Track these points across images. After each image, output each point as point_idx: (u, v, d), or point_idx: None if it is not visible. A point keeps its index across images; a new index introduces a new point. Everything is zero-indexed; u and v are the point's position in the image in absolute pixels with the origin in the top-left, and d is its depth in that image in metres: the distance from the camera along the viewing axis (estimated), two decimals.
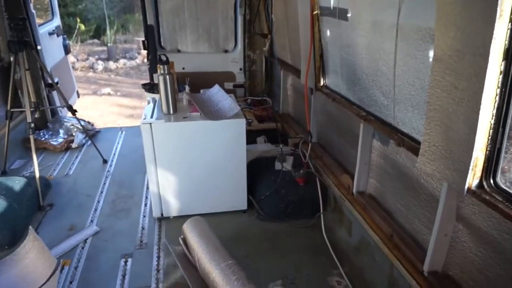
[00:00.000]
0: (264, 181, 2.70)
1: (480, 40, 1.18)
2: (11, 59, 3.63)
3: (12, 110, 3.15)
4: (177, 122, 2.45)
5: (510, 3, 1.12)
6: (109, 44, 12.24)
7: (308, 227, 2.55)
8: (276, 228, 2.58)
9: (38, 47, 3.89)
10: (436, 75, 1.39)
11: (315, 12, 2.61)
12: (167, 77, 2.47)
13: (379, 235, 1.94)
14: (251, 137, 2.59)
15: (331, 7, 2.46)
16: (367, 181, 2.26)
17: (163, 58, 2.48)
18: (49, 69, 3.85)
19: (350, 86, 2.39)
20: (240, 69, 4.29)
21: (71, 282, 2.12)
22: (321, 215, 2.55)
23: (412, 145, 1.73)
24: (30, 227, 2.34)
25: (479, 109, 1.22)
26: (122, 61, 11.27)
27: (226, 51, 4.29)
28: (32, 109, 3.03)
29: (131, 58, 11.65)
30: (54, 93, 4.21)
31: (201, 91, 2.97)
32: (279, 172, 2.67)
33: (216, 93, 2.84)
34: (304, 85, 2.83)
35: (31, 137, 2.90)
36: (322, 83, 2.77)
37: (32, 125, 2.92)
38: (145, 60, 11.70)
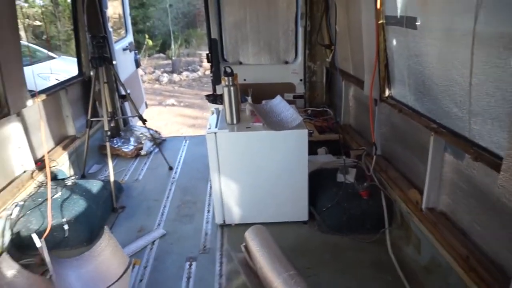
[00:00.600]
0: (325, 192, 2.67)
1: None
2: (91, 73, 4.02)
3: (91, 119, 3.45)
4: (240, 132, 2.52)
5: None
6: (173, 58, 12.97)
7: (372, 242, 2.46)
8: (338, 241, 2.52)
9: (114, 62, 4.24)
10: None
11: (380, 22, 2.56)
12: (232, 88, 2.55)
13: (453, 256, 1.82)
14: (311, 148, 2.59)
15: (398, 16, 2.40)
16: (437, 197, 2.14)
17: (228, 70, 2.57)
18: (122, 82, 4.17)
19: (419, 96, 2.29)
20: (300, 80, 4.31)
21: (141, 281, 2.25)
22: (386, 230, 2.46)
23: (492, 160, 1.61)
24: (106, 226, 2.53)
25: None
26: (185, 73, 11.86)
27: (286, 63, 4.34)
28: (108, 119, 3.30)
29: (193, 71, 12.22)
30: (126, 104, 4.54)
31: (263, 101, 3.03)
32: (341, 184, 2.63)
33: (278, 103, 2.88)
34: (367, 96, 2.77)
35: (107, 144, 3.16)
36: (387, 93, 2.69)
37: (109, 133, 3.19)
38: (206, 72, 12.26)
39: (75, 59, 4.12)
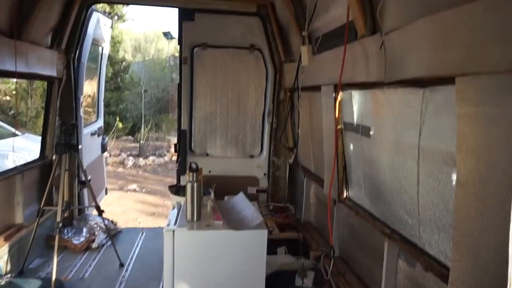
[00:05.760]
0: None
1: (502, 170, 1.19)
2: (53, 157, 3.87)
3: (44, 208, 3.23)
4: (200, 230, 2.45)
5: None
6: (141, 142, 13.01)
7: None
8: None
9: (79, 146, 4.08)
10: (460, 200, 1.38)
11: (339, 127, 2.73)
12: (195, 184, 2.52)
13: None
14: (271, 246, 2.52)
15: (354, 124, 2.58)
16: None
17: (193, 166, 2.54)
18: (85, 168, 3.95)
19: (373, 200, 2.38)
20: (264, 174, 4.39)
21: None
22: None
23: (441, 271, 1.64)
24: None
25: (508, 240, 1.17)
26: (151, 158, 11.81)
27: (252, 156, 4.45)
28: (63, 208, 3.09)
29: (160, 156, 12.22)
30: (85, 191, 4.35)
31: (226, 197, 3.01)
32: None
33: (240, 201, 2.87)
34: (327, 194, 2.84)
35: (57, 237, 2.92)
36: (345, 195, 2.78)
37: (60, 224, 2.97)
38: (173, 158, 12.27)
39: (40, 138, 3.98)
